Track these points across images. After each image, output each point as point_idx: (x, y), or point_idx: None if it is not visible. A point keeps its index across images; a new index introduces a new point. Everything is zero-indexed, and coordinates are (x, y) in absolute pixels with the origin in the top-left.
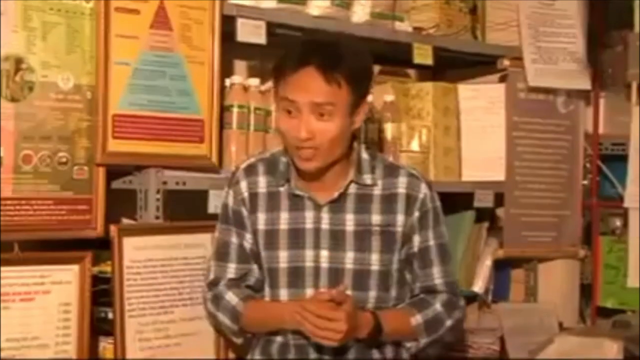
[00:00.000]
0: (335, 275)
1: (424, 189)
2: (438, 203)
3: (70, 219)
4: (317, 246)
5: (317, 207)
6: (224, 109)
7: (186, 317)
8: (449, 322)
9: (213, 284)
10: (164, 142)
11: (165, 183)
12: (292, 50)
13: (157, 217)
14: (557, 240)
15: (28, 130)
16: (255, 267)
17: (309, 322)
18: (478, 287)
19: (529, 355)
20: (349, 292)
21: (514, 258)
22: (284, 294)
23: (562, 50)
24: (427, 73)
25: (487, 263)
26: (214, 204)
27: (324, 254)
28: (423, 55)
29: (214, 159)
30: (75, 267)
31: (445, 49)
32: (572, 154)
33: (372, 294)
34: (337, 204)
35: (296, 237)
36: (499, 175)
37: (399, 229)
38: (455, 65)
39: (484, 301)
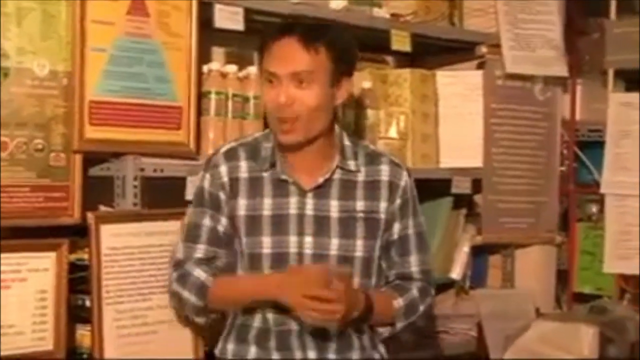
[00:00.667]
0: (319, 260)
1: (405, 177)
2: (415, 192)
3: (47, 206)
4: (301, 232)
5: (302, 193)
6: (201, 96)
7: (164, 305)
8: (422, 308)
9: (179, 264)
10: (142, 129)
11: (142, 170)
12: (275, 25)
13: (134, 204)
14: (534, 226)
15: (3, 117)
16: (224, 251)
17: (303, 305)
18: (456, 273)
19: (506, 341)
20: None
21: (492, 244)
22: None
23: (540, 37)
24: (405, 60)
25: (464, 249)
26: (191, 191)
27: (308, 240)
28: (401, 42)
29: (192, 145)
30: (52, 255)
31: (423, 35)
32: (549, 140)
33: (356, 280)
34: (321, 190)
35: (279, 223)
36: (477, 161)
37: (382, 215)
38: (433, 52)
39: (461, 287)
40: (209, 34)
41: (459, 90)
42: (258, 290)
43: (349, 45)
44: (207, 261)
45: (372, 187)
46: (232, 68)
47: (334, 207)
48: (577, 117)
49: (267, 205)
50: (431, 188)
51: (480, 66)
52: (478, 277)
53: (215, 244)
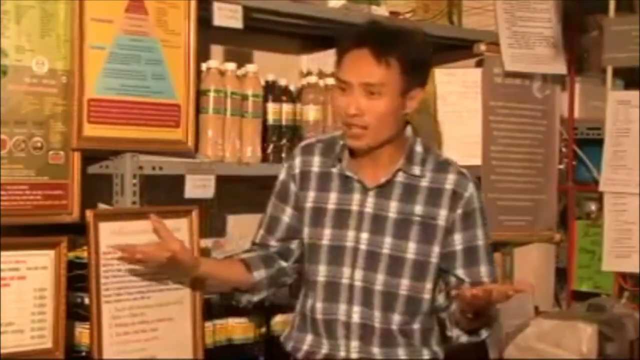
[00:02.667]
0: (372, 257)
1: (470, 188)
2: (484, 205)
3: (46, 204)
4: (359, 228)
5: (364, 191)
6: (200, 94)
7: (162, 302)
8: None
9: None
10: (140, 127)
11: (141, 168)
12: (352, 31)
13: (133, 202)
14: (532, 224)
15: (2, 115)
16: (274, 239)
17: None
18: None
19: (505, 339)
20: (381, 276)
21: (491, 242)
22: (322, 269)
23: (538, 35)
24: None
25: None
26: (190, 189)
27: (364, 236)
28: None
29: (190, 143)
30: (51, 253)
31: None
32: (548, 138)
33: (405, 281)
34: (383, 190)
35: (341, 218)
36: (476, 159)
37: (441, 222)
38: (432, 50)
39: None
40: (207, 32)
41: (458, 88)
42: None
43: (422, 57)
44: (259, 246)
45: (434, 193)
46: (230, 66)
47: (392, 207)
48: (576, 115)
49: (332, 199)
50: None
51: (478, 64)
52: None
53: (271, 232)
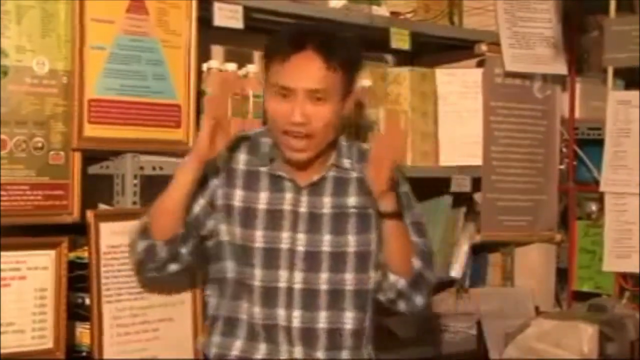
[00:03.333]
0: (312, 257)
1: (395, 173)
2: (407, 187)
3: (47, 204)
4: (294, 229)
5: (297, 190)
6: (201, 94)
7: (163, 303)
8: (431, 275)
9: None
10: (141, 127)
11: (142, 168)
12: (285, 34)
13: (134, 203)
14: (533, 224)
15: (3, 115)
16: (193, 232)
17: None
18: (455, 271)
19: (506, 339)
20: (324, 275)
21: (491, 242)
22: (258, 273)
23: (539, 35)
24: (404, 58)
25: (464, 248)
26: None
27: (301, 237)
28: (400, 40)
29: (191, 144)
30: (51, 253)
31: (423, 33)
32: (549, 138)
33: (349, 276)
34: (316, 187)
35: (273, 219)
36: (476, 160)
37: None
38: (433, 50)
39: (461, 286)
40: (208, 32)
41: (458, 88)
42: (181, 169)
43: (360, 57)
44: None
45: (364, 183)
46: (231, 66)
47: (326, 203)
48: (576, 115)
49: (262, 198)
50: (430, 186)
51: (479, 64)
52: (478, 275)
53: (192, 228)
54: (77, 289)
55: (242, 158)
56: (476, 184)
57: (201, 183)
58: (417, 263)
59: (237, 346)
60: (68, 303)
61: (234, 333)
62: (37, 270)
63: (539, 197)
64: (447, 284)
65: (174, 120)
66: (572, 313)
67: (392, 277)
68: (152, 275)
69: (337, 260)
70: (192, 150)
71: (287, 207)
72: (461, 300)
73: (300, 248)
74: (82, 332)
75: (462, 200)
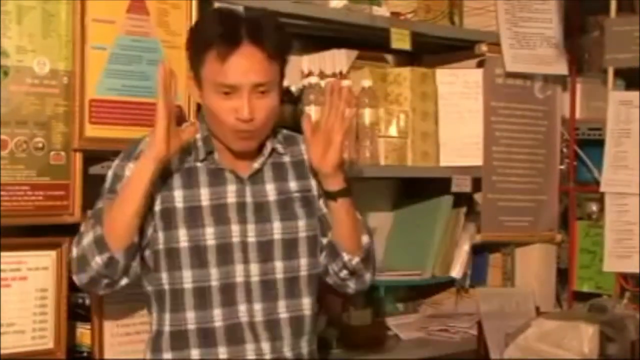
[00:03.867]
0: (264, 247)
1: None
2: None
3: (47, 204)
4: (242, 220)
5: (240, 181)
6: None
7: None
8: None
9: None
10: (142, 127)
11: None
12: (213, 28)
13: None
14: (534, 224)
15: (3, 115)
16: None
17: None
18: (456, 272)
19: (506, 339)
20: (279, 264)
21: (492, 243)
22: (213, 272)
23: (539, 36)
24: (404, 58)
25: (464, 248)
26: None
27: (251, 227)
28: (401, 40)
29: None
30: (52, 253)
31: (423, 34)
32: (549, 139)
33: (303, 261)
34: (257, 176)
35: (220, 213)
36: (477, 160)
37: (315, 192)
38: (433, 51)
39: (461, 286)
40: None
41: (459, 88)
42: (136, 172)
43: (290, 41)
44: None
45: (298, 166)
46: None
47: (270, 191)
48: (577, 115)
49: (204, 195)
50: (431, 187)
51: (480, 64)
52: (478, 275)
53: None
54: (78, 289)
55: (171, 157)
56: (477, 184)
57: None
58: (365, 238)
59: (194, 355)
60: (69, 303)
61: (186, 345)
62: (38, 270)
63: (539, 197)
64: (447, 284)
65: (175, 121)
66: (573, 313)
67: (345, 257)
68: (104, 292)
69: (290, 246)
70: (147, 151)
71: (231, 199)
72: (461, 301)
73: (252, 239)
74: (83, 333)
75: (463, 200)
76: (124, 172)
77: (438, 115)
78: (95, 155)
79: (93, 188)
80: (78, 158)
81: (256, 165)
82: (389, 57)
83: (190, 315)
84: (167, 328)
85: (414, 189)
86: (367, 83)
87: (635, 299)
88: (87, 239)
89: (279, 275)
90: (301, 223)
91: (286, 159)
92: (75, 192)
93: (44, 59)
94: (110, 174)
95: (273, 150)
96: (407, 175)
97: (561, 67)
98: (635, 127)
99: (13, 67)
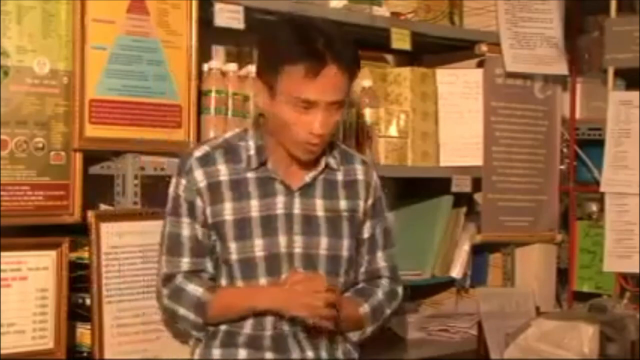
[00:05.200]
0: (309, 261)
1: (375, 176)
2: (381, 192)
3: (47, 204)
4: (290, 232)
5: (289, 192)
6: (201, 94)
7: None
8: (388, 311)
9: (168, 280)
10: (142, 128)
11: (142, 168)
12: (299, 44)
13: (134, 203)
14: (534, 224)
15: (3, 115)
16: (209, 260)
17: (310, 311)
18: (456, 272)
19: (507, 339)
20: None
21: (492, 243)
22: (263, 283)
23: (539, 36)
24: (405, 58)
25: (465, 248)
26: None
27: (297, 239)
28: (401, 40)
29: (192, 144)
30: (52, 253)
31: (423, 34)
32: (549, 139)
33: (342, 279)
34: (307, 189)
35: (269, 224)
36: (477, 160)
37: (360, 215)
38: (433, 51)
39: (462, 286)
40: (209, 32)
41: (459, 88)
42: (261, 301)
43: (359, 58)
44: (196, 273)
45: (350, 186)
46: (232, 66)
47: (320, 206)
48: (577, 115)
49: (254, 206)
50: (431, 187)
51: (480, 64)
52: (478, 275)
53: (200, 254)
54: (78, 289)
55: (221, 169)
56: (477, 184)
57: (190, 210)
58: (365, 307)
59: (242, 354)
60: (69, 303)
61: (234, 343)
62: (38, 270)
63: (539, 197)
64: (447, 284)
65: (175, 121)
66: (573, 313)
67: (350, 334)
68: None
69: (332, 263)
70: (264, 302)
71: (280, 211)
72: (462, 301)
73: (298, 250)
74: (83, 333)
75: (463, 200)
76: (179, 191)
77: (438, 115)
78: (95, 155)
79: (93, 188)
80: (78, 158)
81: (307, 178)
82: (389, 57)
83: (248, 321)
84: (220, 328)
85: (414, 189)
86: (367, 83)
87: (635, 299)
88: (191, 318)
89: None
90: (345, 242)
91: (339, 176)
92: (75, 192)
93: (44, 59)
94: (170, 193)
95: (326, 165)
96: (407, 175)
97: (561, 67)
98: (635, 127)
99: (13, 67)
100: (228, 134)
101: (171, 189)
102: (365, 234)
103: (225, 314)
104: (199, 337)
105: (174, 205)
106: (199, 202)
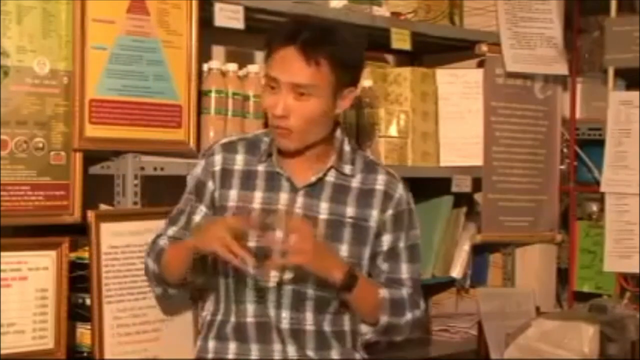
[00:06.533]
0: None
1: (400, 189)
2: (413, 206)
3: (48, 204)
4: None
5: (293, 190)
6: (201, 94)
7: (165, 303)
8: (409, 315)
9: (153, 241)
10: (142, 128)
11: (142, 168)
12: (280, 27)
13: (134, 203)
14: (534, 225)
15: (4, 115)
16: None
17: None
18: (456, 272)
19: (507, 339)
20: (312, 279)
21: (492, 243)
22: (251, 274)
23: (540, 36)
24: (405, 58)
25: (465, 248)
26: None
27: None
28: (401, 41)
29: (192, 144)
30: (52, 253)
31: (424, 34)
32: (550, 139)
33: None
34: (313, 190)
35: (267, 217)
36: (477, 160)
37: (372, 224)
38: (434, 51)
39: (462, 286)
40: (209, 33)
41: (459, 88)
42: (195, 240)
43: (353, 55)
44: (177, 239)
45: (365, 194)
46: (232, 66)
47: (323, 208)
48: (577, 115)
49: (257, 198)
50: (431, 187)
51: (480, 65)
52: (478, 275)
53: (188, 229)
54: (78, 289)
55: (239, 158)
56: (477, 184)
57: (199, 190)
58: (384, 318)
59: (232, 348)
60: (69, 303)
61: (225, 336)
62: (38, 270)
63: (539, 197)
64: (447, 284)
65: (175, 121)
66: (573, 313)
67: (363, 328)
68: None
69: None
70: (195, 238)
71: (281, 207)
72: (462, 301)
73: None
74: (83, 333)
75: (463, 200)
76: (198, 170)
77: (438, 115)
78: (95, 155)
79: (93, 188)
80: (78, 158)
81: (312, 178)
82: (389, 57)
83: (239, 308)
84: (210, 317)
85: (414, 189)
86: (367, 83)
87: (635, 299)
88: (151, 267)
89: (310, 290)
90: (344, 247)
91: (354, 183)
92: (75, 192)
93: (44, 59)
94: (191, 172)
95: (339, 171)
96: (407, 175)
97: (561, 67)
98: (636, 127)
99: (13, 67)
100: (262, 130)
101: (194, 170)
102: (385, 246)
103: (171, 259)
104: (161, 294)
105: (189, 183)
106: (210, 184)
